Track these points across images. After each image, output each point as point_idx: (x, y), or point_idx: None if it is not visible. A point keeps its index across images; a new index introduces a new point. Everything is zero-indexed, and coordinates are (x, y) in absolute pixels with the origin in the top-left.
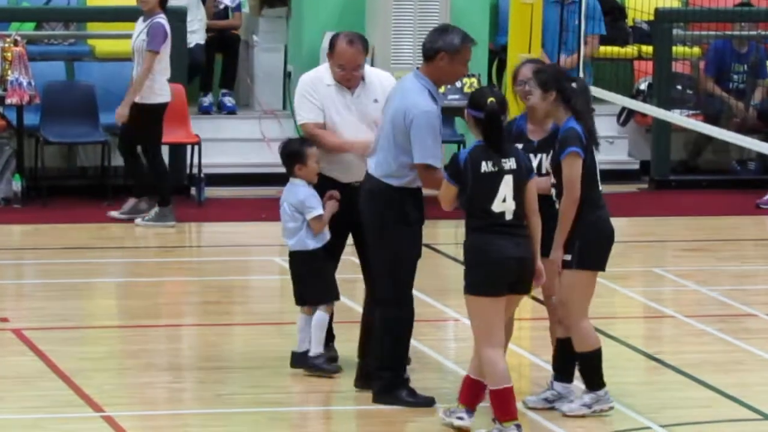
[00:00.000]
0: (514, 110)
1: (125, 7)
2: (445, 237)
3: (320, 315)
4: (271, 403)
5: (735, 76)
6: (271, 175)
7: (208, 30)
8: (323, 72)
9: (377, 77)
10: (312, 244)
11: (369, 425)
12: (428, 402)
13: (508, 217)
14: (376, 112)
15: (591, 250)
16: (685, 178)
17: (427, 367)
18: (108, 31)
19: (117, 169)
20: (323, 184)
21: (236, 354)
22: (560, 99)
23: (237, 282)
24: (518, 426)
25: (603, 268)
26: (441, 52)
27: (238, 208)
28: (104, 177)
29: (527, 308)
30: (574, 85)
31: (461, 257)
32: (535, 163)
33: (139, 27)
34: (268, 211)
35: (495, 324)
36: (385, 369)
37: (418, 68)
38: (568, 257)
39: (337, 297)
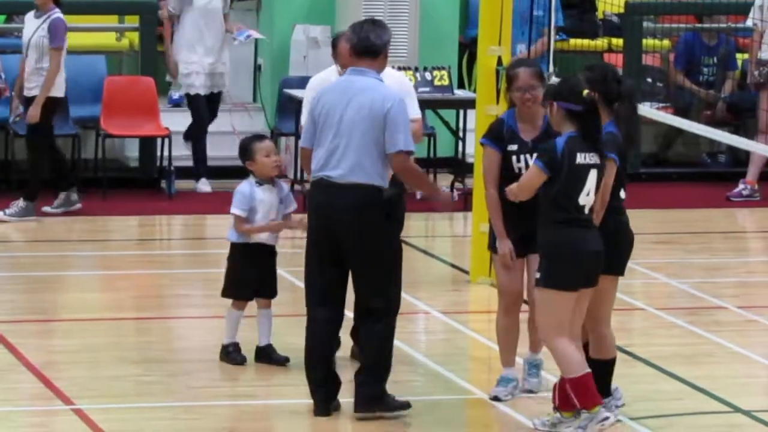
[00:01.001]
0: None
1: (97, 0)
2: (416, 230)
3: (229, 310)
4: (241, 395)
5: (705, 69)
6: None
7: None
8: (331, 72)
9: (392, 78)
10: (233, 236)
11: (340, 417)
12: (405, 405)
13: (587, 211)
14: None
15: (616, 256)
16: (656, 171)
17: (398, 360)
18: (78, 24)
19: (88, 162)
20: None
21: (206, 347)
22: (603, 101)
23: (207, 275)
24: (605, 407)
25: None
26: (387, 46)
27: (209, 201)
28: (74, 170)
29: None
30: (619, 86)
31: (431, 250)
32: (524, 163)
33: (34, 22)
34: None
35: (567, 317)
36: (381, 379)
37: (354, 68)
38: (537, 275)
39: (239, 297)
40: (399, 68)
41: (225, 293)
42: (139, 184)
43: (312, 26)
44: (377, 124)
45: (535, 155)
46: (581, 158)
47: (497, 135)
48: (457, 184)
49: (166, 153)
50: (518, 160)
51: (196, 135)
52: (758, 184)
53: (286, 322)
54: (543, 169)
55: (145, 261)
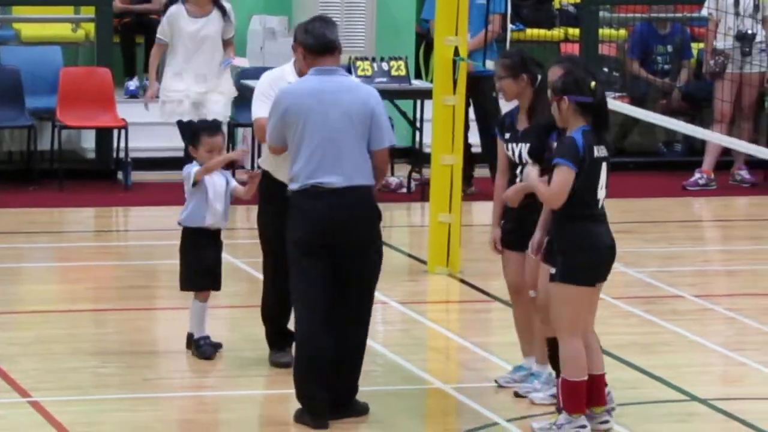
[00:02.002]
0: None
1: None
2: None
3: (193, 303)
4: (198, 387)
5: (659, 58)
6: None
7: (126, 13)
8: (287, 70)
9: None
10: (183, 219)
11: (297, 405)
12: (366, 410)
13: (601, 204)
14: None
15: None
16: (612, 160)
17: None
18: (34, 15)
19: (44, 154)
20: (269, 187)
21: (163, 338)
22: (576, 107)
23: (164, 266)
24: (588, 417)
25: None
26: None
27: (165, 192)
28: (30, 161)
29: (456, 291)
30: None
31: (389, 240)
32: (517, 152)
33: None
34: None
35: (583, 313)
36: (357, 379)
37: (320, 68)
38: (553, 270)
39: (200, 287)
40: (356, 59)
41: (184, 286)
42: (96, 175)
43: (269, 17)
44: (366, 123)
45: (555, 156)
46: (597, 151)
47: (501, 124)
48: (415, 175)
49: (122, 144)
50: (507, 148)
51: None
52: (714, 173)
53: (247, 313)
54: (572, 167)
55: (101, 252)
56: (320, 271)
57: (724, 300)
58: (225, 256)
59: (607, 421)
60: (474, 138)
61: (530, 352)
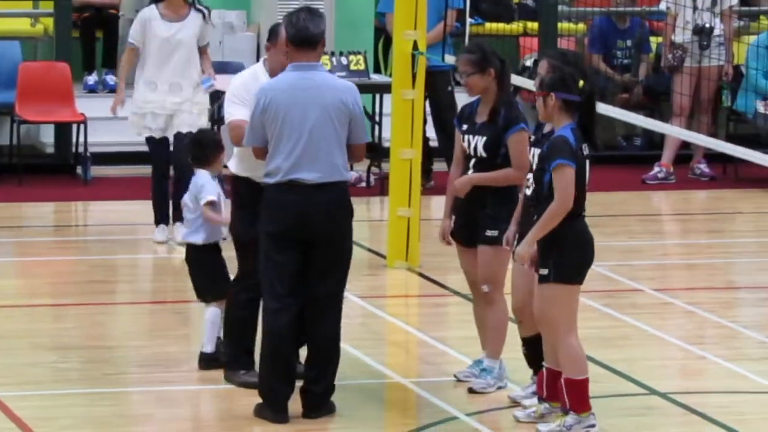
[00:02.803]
0: None
1: None
2: None
3: (210, 311)
4: (158, 381)
5: (618, 53)
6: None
7: (85, 7)
8: (258, 70)
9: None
10: (200, 238)
11: (257, 399)
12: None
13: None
14: None
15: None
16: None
17: None
18: None
19: (2, 149)
20: (243, 192)
21: (122, 333)
22: (562, 104)
23: (123, 261)
24: (594, 415)
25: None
26: (324, 36)
27: (125, 187)
28: None
29: (416, 285)
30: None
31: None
32: (473, 145)
33: None
34: None
35: (576, 311)
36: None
37: (298, 63)
38: (545, 271)
39: (224, 292)
40: None
41: (216, 295)
42: (55, 170)
43: (227, 11)
44: (345, 119)
45: (553, 159)
46: (585, 149)
47: (460, 115)
48: (374, 169)
49: (81, 139)
50: (464, 140)
51: (153, 179)
52: (673, 167)
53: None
54: (573, 165)
55: (60, 247)
56: (292, 265)
57: (684, 294)
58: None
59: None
60: (432, 132)
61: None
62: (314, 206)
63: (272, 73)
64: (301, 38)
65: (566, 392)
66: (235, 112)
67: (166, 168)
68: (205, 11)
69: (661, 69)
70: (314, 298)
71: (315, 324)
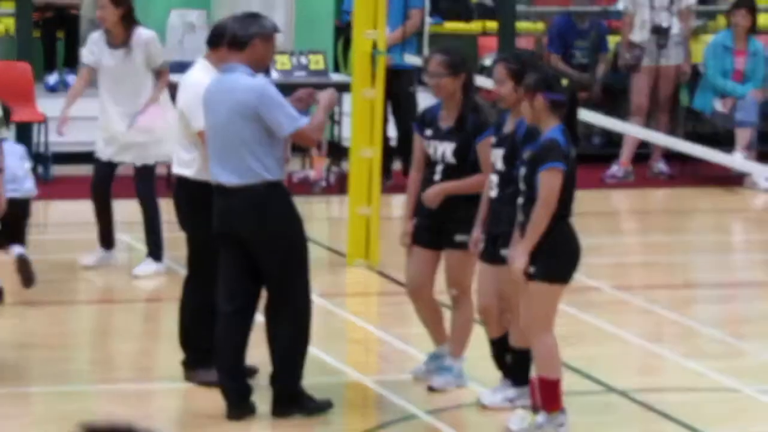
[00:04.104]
0: None
1: None
2: None
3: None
4: (117, 380)
5: (577, 52)
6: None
7: (47, 7)
8: (207, 70)
9: (190, 84)
10: None
11: (213, 399)
12: (325, 406)
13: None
14: None
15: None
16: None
17: None
18: None
19: None
20: (196, 194)
21: (82, 331)
22: (550, 105)
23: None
24: (564, 412)
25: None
26: (256, 37)
27: (86, 186)
28: None
29: (375, 283)
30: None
31: (307, 232)
32: (439, 151)
33: None
34: None
35: (555, 311)
36: (296, 380)
37: (225, 65)
38: (531, 269)
39: None
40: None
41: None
42: None
43: (188, 11)
44: (255, 119)
45: (544, 162)
46: (574, 150)
47: (421, 119)
48: (334, 168)
49: (42, 139)
50: (428, 146)
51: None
52: (632, 165)
53: (166, 305)
54: (563, 167)
55: None
56: (237, 266)
57: (642, 291)
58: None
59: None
60: (392, 131)
61: (442, 340)
62: (233, 210)
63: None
64: (228, 40)
65: (539, 391)
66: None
67: (102, 196)
68: (144, 34)
69: (619, 68)
70: (268, 300)
71: (267, 327)
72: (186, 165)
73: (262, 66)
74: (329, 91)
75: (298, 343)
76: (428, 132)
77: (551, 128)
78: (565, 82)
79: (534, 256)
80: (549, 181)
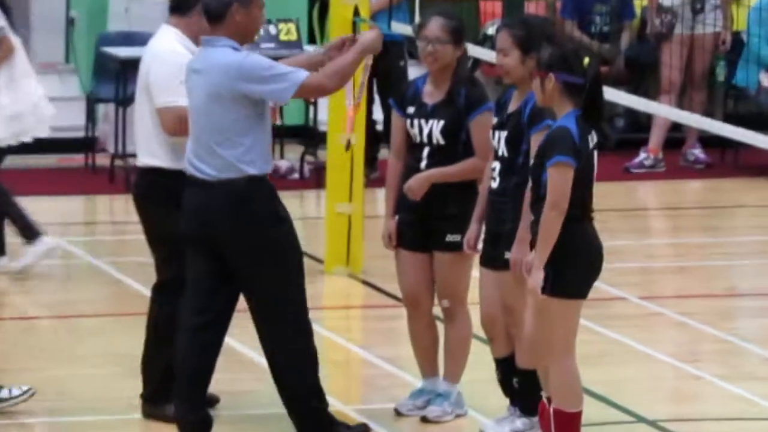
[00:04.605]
0: None
1: None
2: None
3: None
4: (52, 411)
5: (597, 18)
6: (49, 142)
7: None
8: (180, 41)
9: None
10: None
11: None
12: (362, 428)
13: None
14: None
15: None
16: None
17: (240, 366)
18: None
19: None
20: (163, 185)
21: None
22: (563, 87)
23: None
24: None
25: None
26: (234, 4)
27: (12, 181)
28: None
29: (359, 294)
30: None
31: None
32: (425, 131)
33: None
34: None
35: (576, 330)
36: (319, 409)
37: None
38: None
39: None
40: None
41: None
42: None
43: None
44: (232, 102)
45: (550, 155)
46: (592, 141)
47: (400, 95)
48: (308, 157)
49: None
50: (411, 125)
51: None
52: (662, 152)
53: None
54: (572, 162)
55: None
56: (208, 274)
57: (674, 302)
58: (83, 255)
59: None
60: (379, 114)
61: (431, 372)
62: (207, 207)
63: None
64: (204, 11)
65: (554, 425)
66: (179, 96)
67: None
68: None
69: (647, 37)
70: (254, 321)
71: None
72: (152, 153)
73: (247, 37)
74: (373, 31)
75: (302, 373)
76: (410, 109)
77: (565, 114)
78: (586, 61)
79: (544, 266)
80: (557, 177)
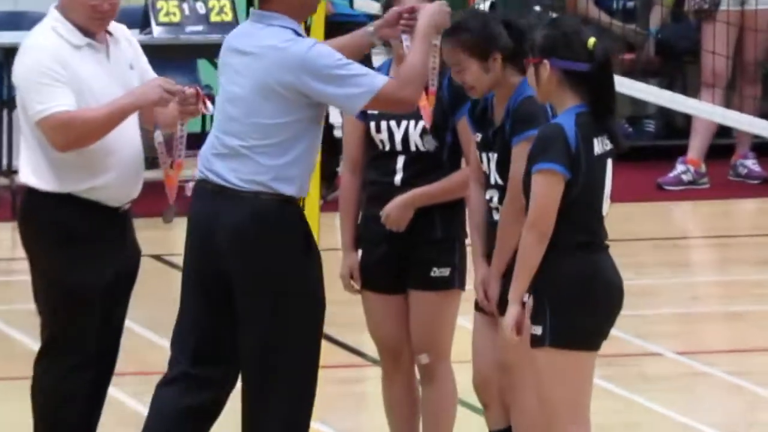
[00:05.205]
0: None
1: None
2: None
3: None
4: None
5: None
6: None
7: None
8: (63, 33)
9: (122, 32)
10: None
11: None
12: None
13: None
14: (134, 84)
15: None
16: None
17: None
18: None
19: None
20: (88, 214)
21: None
22: (563, 77)
23: None
24: None
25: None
26: None
27: None
28: None
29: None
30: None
31: None
32: (398, 136)
33: None
34: None
35: (588, 390)
36: None
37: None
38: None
39: None
40: None
41: None
42: None
43: None
44: (279, 101)
45: (534, 160)
46: (599, 146)
47: None
48: None
49: None
50: (378, 129)
51: None
52: (705, 164)
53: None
54: (562, 170)
55: None
56: (211, 312)
57: (725, 358)
58: None
59: None
60: (337, 116)
61: None
62: (217, 217)
63: (81, 29)
64: None
65: None
66: (58, 98)
67: None
68: None
69: (684, 16)
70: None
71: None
72: (34, 171)
73: (304, 15)
74: (436, 4)
75: None
76: (373, 111)
77: (566, 110)
78: (591, 41)
79: (539, 308)
80: (538, 189)
